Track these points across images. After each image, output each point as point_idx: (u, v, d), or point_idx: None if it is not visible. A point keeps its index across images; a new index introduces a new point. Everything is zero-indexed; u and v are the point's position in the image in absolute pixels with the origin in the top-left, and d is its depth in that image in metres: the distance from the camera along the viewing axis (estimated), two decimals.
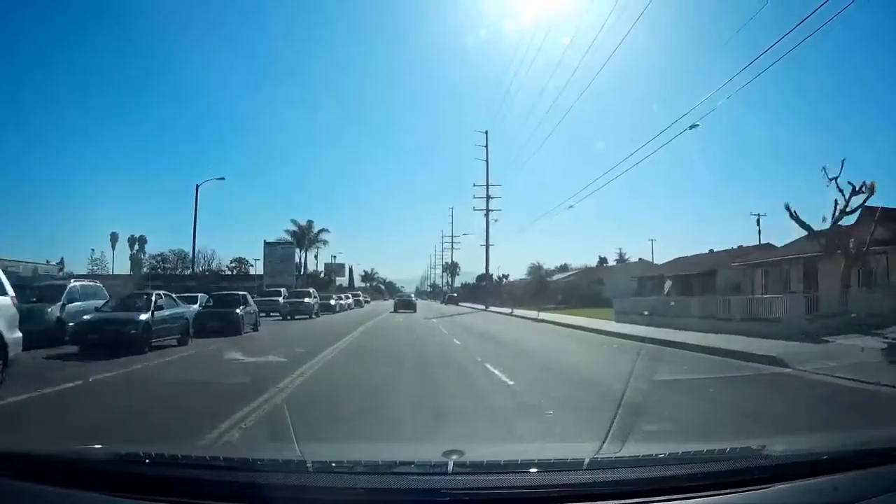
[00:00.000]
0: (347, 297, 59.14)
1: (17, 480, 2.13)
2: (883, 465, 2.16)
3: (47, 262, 60.14)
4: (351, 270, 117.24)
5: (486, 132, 57.79)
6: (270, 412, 7.16)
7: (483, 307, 55.59)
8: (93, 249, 74.83)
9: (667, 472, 2.12)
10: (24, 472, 2.17)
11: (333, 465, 2.35)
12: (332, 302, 46.77)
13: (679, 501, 1.96)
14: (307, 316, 36.43)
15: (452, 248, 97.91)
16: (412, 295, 66.60)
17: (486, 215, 59.04)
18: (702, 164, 75.67)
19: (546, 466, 2.27)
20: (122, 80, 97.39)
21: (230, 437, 6.06)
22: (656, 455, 2.42)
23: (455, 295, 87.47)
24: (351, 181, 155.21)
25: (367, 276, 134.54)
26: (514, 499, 2.03)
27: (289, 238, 73.05)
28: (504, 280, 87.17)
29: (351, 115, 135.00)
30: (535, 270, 77.14)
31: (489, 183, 58.45)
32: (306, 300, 38.19)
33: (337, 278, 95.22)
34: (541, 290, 62.73)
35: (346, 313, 47.19)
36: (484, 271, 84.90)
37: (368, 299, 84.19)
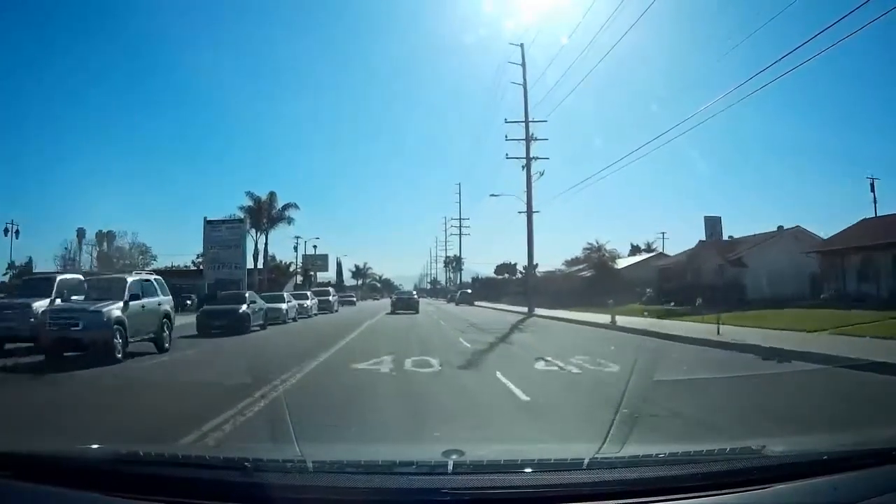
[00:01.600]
0: (305, 299, 37.59)
1: (17, 480, 2.13)
2: (883, 465, 2.17)
3: (12, 261, 58.50)
4: (340, 265, 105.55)
5: (522, 45, 37.47)
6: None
7: (525, 309, 36.89)
8: (66, 248, 72.16)
9: (667, 472, 2.13)
10: (24, 472, 2.18)
11: (333, 465, 2.36)
12: (244, 309, 23.83)
13: (679, 501, 1.96)
14: (116, 355, 13.37)
15: (461, 234, 76.87)
16: (413, 292, 52.75)
17: (527, 167, 36.88)
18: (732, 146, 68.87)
19: (546, 466, 2.29)
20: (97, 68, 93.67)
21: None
22: (656, 455, 2.43)
23: (469, 292, 69.24)
24: (345, 176, 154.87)
25: (358, 272, 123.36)
26: (514, 499, 2.02)
27: (242, 216, 53.68)
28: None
29: (343, 103, 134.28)
30: (595, 254, 52.44)
31: (528, 119, 36.89)
32: (94, 310, 13.71)
33: (318, 273, 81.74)
34: (605, 282, 43.87)
35: (278, 332, 24.07)
36: (495, 264, 73.57)
37: (354, 298, 67.51)
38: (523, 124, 37.08)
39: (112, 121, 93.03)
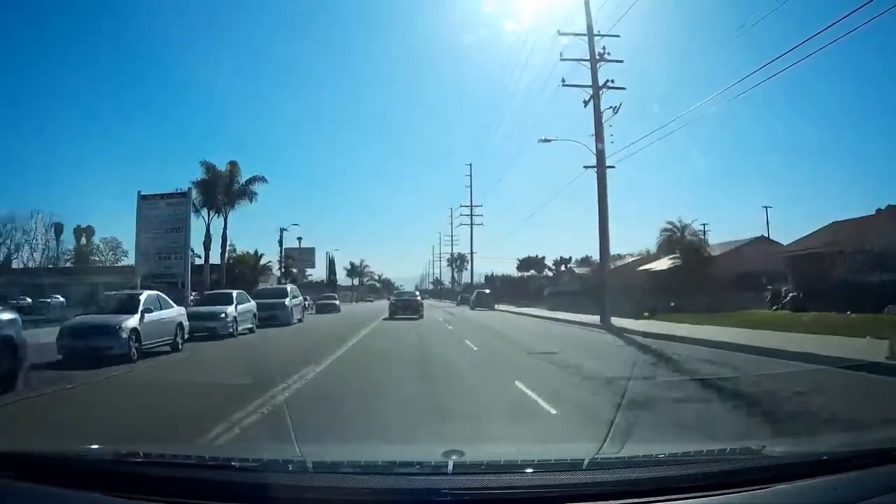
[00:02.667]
0: (226, 303, 22.70)
1: (17, 480, 2.13)
2: (883, 465, 2.17)
3: None
4: (332, 262, 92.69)
5: None
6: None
7: (595, 319, 24.87)
8: (47, 245, 70.20)
9: (667, 473, 2.13)
10: (25, 472, 2.18)
11: (333, 465, 2.38)
12: None
13: (679, 502, 1.97)
14: None
15: (472, 224, 64.17)
16: (416, 293, 45.49)
17: (594, 98, 25.20)
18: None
19: (546, 467, 2.30)
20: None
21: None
22: (656, 455, 2.45)
23: (488, 292, 55.38)
24: (344, 174, 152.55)
25: (354, 271, 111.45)
26: (514, 499, 2.03)
27: (194, 191, 40.58)
28: (564, 266, 59.36)
29: (342, 99, 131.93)
30: (687, 240, 38.05)
31: (592, 32, 25.23)
32: None
33: (307, 270, 72.44)
34: (698, 276, 33.00)
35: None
36: (501, 264, 65.24)
37: (336, 301, 51.07)
38: (585, 39, 25.35)
39: (109, 118, 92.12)
